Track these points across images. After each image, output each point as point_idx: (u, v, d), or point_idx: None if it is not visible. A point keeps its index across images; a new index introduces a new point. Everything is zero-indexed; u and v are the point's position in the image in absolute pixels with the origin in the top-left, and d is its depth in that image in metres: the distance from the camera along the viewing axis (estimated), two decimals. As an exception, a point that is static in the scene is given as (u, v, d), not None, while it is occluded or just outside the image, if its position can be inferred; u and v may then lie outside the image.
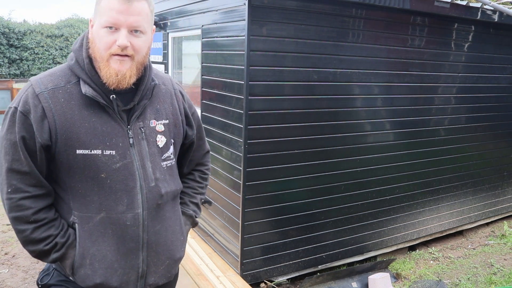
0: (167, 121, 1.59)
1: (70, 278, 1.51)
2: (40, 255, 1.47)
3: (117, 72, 1.40)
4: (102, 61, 1.40)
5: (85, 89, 1.41)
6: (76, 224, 1.46)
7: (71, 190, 1.45)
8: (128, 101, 1.49)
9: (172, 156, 1.61)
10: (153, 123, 1.54)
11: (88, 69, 1.43)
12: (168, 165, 1.59)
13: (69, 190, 1.46)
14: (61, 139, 1.39)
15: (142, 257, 1.53)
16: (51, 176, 1.47)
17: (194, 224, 1.80)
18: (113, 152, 1.44)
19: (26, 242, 1.44)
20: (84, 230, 1.46)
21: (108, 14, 1.36)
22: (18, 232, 1.43)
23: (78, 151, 1.40)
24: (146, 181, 1.50)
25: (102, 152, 1.42)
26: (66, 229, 1.47)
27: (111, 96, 1.44)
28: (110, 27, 1.37)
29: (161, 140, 1.56)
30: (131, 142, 1.48)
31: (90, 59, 1.44)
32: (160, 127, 1.56)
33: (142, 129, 1.51)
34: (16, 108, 1.38)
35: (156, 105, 1.57)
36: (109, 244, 1.47)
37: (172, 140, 1.61)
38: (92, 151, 1.41)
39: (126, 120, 1.48)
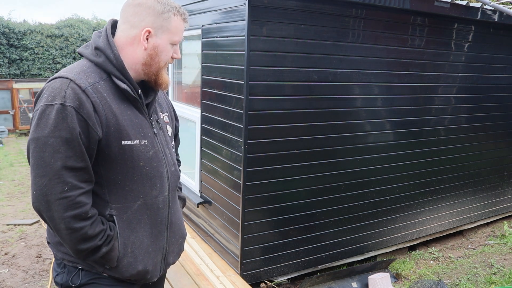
0: (167, 114, 1.78)
1: (104, 274, 1.54)
2: (90, 253, 1.47)
3: (167, 77, 1.63)
4: (158, 70, 1.57)
5: (122, 84, 1.50)
6: (114, 216, 1.52)
7: (109, 183, 1.50)
8: (147, 96, 1.64)
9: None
10: (161, 115, 1.72)
11: (121, 66, 1.50)
12: (174, 151, 1.78)
13: (105, 184, 1.50)
14: (110, 132, 1.45)
15: (166, 238, 1.67)
16: None
17: (184, 206, 1.99)
18: (146, 142, 1.56)
19: (82, 240, 1.43)
20: (123, 220, 1.53)
21: (179, 34, 1.57)
22: (75, 231, 1.41)
23: (123, 142, 1.48)
24: (169, 166, 1.67)
25: (139, 142, 1.53)
26: (107, 222, 1.53)
27: (139, 91, 1.55)
28: (174, 44, 1.58)
29: (169, 130, 1.75)
30: (155, 132, 1.62)
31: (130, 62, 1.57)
32: (166, 119, 1.75)
33: (158, 120, 1.68)
34: (62, 104, 1.36)
35: (158, 100, 1.75)
36: (145, 229, 1.58)
37: (172, 130, 1.81)
38: (134, 141, 1.52)
39: (147, 113, 1.62)
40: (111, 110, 1.46)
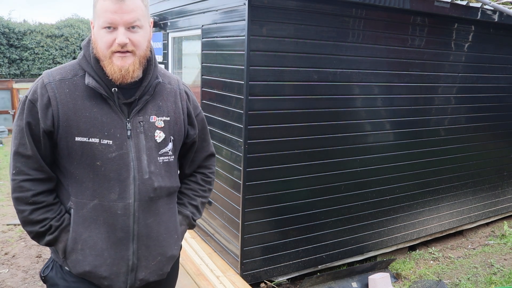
0: (168, 118, 1.63)
1: (66, 267, 1.58)
2: (36, 237, 1.56)
3: (120, 68, 1.48)
4: (105, 59, 1.48)
5: (88, 80, 1.50)
6: (72, 210, 1.54)
7: (70, 176, 1.54)
8: (131, 95, 1.56)
9: (170, 153, 1.65)
10: (153, 118, 1.60)
11: (94, 63, 1.51)
12: (165, 160, 1.63)
13: (68, 176, 1.54)
14: (62, 126, 1.48)
15: (132, 249, 1.56)
16: (55, 162, 1.56)
17: (191, 225, 1.81)
18: (110, 142, 1.51)
19: (25, 222, 1.54)
20: (79, 215, 1.53)
21: (104, 15, 1.44)
22: (18, 212, 1.54)
23: (76, 138, 1.49)
24: (140, 173, 1.55)
25: (100, 141, 1.50)
26: (63, 213, 1.56)
27: (113, 89, 1.51)
28: (108, 27, 1.45)
29: (159, 136, 1.60)
30: (128, 134, 1.54)
31: (96, 57, 1.54)
32: (160, 123, 1.61)
33: (141, 123, 1.57)
34: (26, 97, 1.51)
35: (158, 102, 1.63)
36: (100, 231, 1.53)
37: (172, 137, 1.64)
38: (90, 139, 1.49)
39: (126, 113, 1.55)
40: (68, 106, 1.48)
